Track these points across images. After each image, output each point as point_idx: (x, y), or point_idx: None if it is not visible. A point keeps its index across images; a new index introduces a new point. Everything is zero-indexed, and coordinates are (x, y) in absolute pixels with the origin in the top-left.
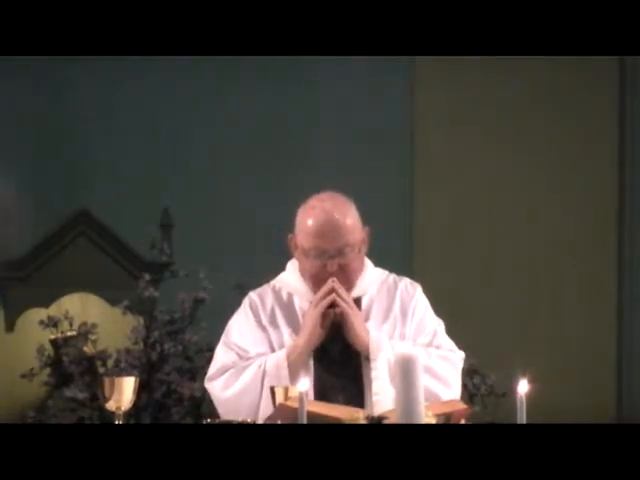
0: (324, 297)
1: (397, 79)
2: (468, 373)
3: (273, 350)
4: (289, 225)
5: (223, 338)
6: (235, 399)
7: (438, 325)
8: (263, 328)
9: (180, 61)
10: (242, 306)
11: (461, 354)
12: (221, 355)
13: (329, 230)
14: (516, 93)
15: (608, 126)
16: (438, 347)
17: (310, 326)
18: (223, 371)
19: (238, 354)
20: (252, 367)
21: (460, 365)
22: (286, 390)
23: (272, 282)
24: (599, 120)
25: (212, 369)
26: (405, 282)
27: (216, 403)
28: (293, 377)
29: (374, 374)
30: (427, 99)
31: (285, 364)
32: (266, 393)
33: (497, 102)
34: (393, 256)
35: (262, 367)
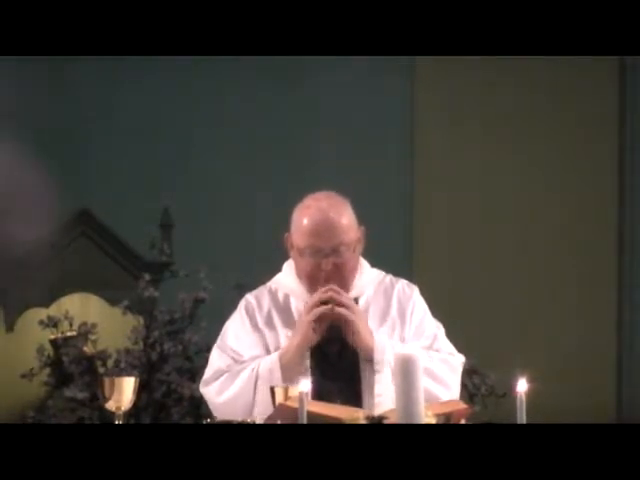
0: (316, 305)
1: (397, 79)
2: (468, 373)
3: (269, 352)
4: (289, 225)
5: (218, 341)
6: (230, 403)
7: (437, 329)
8: (259, 330)
9: (180, 61)
10: (238, 308)
11: (461, 358)
12: (216, 359)
13: (324, 229)
14: (516, 93)
15: (608, 126)
16: (438, 351)
17: (302, 331)
18: (218, 375)
19: (233, 358)
20: (246, 371)
21: (460, 369)
22: (286, 390)
23: (268, 283)
24: (599, 120)
25: (207, 373)
26: (402, 283)
27: (211, 407)
28: (286, 380)
29: (377, 377)
30: (427, 99)
31: (278, 366)
32: (260, 396)
33: (497, 102)
34: (393, 256)
35: (255, 370)
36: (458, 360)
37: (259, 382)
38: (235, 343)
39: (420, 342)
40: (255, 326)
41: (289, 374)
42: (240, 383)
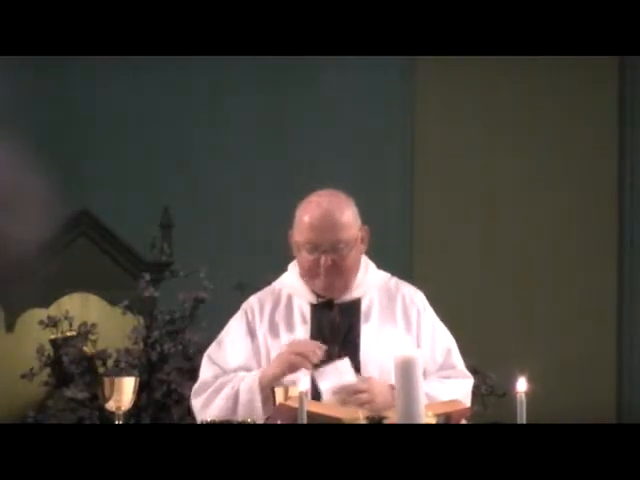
0: (303, 355)
1: (397, 79)
2: None
3: (260, 361)
4: (289, 225)
5: (211, 347)
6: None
7: (450, 341)
8: (255, 337)
9: (180, 61)
10: (240, 312)
11: (472, 381)
12: (204, 370)
13: (323, 225)
14: (516, 93)
15: (608, 126)
16: (454, 367)
17: (281, 367)
18: (206, 388)
19: (221, 367)
20: (226, 389)
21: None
22: (286, 390)
23: (273, 284)
24: (599, 120)
25: (196, 384)
26: (408, 288)
27: (198, 420)
28: (265, 398)
29: None
30: (427, 99)
31: (258, 389)
32: (242, 412)
33: (497, 102)
34: (392, 256)
35: (235, 389)
36: (470, 383)
37: (240, 400)
38: (227, 350)
39: (435, 355)
40: (252, 333)
41: (267, 393)
42: (220, 403)
